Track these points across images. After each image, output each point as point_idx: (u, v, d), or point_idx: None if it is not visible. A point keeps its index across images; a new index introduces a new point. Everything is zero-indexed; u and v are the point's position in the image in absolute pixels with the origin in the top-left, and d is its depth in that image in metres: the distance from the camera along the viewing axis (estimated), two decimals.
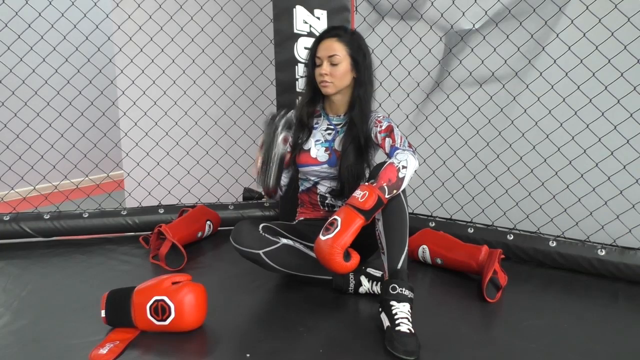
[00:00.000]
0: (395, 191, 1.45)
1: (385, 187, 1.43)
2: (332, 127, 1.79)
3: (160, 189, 2.47)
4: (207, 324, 1.43)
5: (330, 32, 1.70)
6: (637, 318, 1.58)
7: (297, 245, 1.68)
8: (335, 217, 1.40)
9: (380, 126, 1.67)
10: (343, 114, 1.78)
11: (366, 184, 1.46)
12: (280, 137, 1.62)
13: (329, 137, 1.78)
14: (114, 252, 2.06)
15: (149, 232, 2.20)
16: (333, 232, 1.37)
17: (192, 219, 2.16)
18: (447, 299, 1.69)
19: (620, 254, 1.84)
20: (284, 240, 1.65)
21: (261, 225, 1.68)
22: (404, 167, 1.47)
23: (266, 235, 1.64)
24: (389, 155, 1.58)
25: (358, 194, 1.42)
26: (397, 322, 1.33)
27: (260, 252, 1.60)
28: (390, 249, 1.46)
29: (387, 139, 1.63)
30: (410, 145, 1.59)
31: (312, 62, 1.72)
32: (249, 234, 1.63)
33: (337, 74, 1.67)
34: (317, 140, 1.78)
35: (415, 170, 1.52)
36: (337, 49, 1.66)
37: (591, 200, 1.96)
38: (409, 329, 1.32)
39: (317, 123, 1.81)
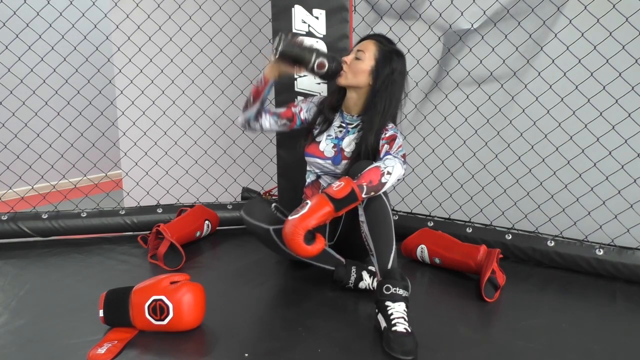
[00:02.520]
0: (372, 193, 1.48)
1: (364, 187, 1.45)
2: (344, 124, 1.80)
3: (159, 188, 2.47)
4: (205, 323, 1.43)
5: (375, 36, 1.76)
6: (634, 317, 1.58)
7: None
8: (307, 201, 1.43)
9: (385, 133, 1.70)
10: (356, 115, 1.80)
11: (346, 177, 1.48)
12: (320, 59, 1.66)
13: (340, 135, 1.79)
14: (112, 251, 2.06)
15: (147, 231, 2.20)
16: (299, 213, 1.39)
17: (190, 218, 2.16)
18: (446, 299, 1.69)
19: (618, 254, 1.85)
20: None
21: (273, 204, 1.73)
22: (388, 173, 1.50)
23: (277, 213, 1.68)
24: (380, 158, 1.61)
25: (335, 183, 1.46)
26: (393, 322, 1.33)
27: (270, 228, 1.64)
28: (377, 250, 1.47)
29: (385, 145, 1.67)
30: (403, 156, 1.62)
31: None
32: (262, 210, 1.67)
33: (354, 67, 1.70)
34: (328, 135, 1.81)
35: (399, 179, 1.56)
36: (369, 48, 1.70)
37: (589, 200, 1.97)
38: (405, 329, 1.32)
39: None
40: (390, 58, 1.70)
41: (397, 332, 1.31)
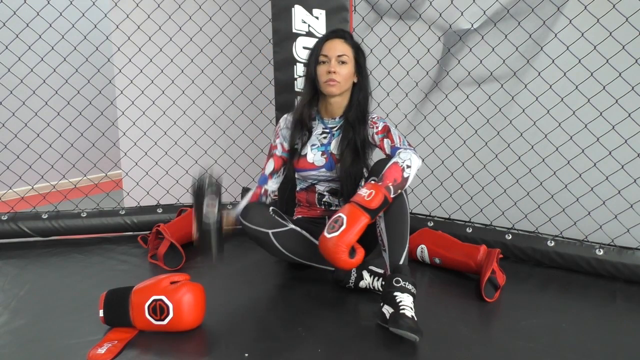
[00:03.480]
0: (399, 190, 1.47)
1: (391, 187, 1.44)
2: (327, 130, 1.79)
3: (159, 188, 2.47)
4: (205, 323, 1.43)
5: (338, 33, 1.72)
6: (634, 317, 1.58)
7: (304, 232, 1.69)
8: (340, 214, 1.40)
9: (376, 127, 1.69)
10: (339, 117, 1.78)
11: (372, 182, 1.46)
12: (207, 206, 1.53)
13: (325, 141, 1.78)
14: (112, 251, 2.06)
15: (147, 231, 2.20)
16: (338, 230, 1.37)
17: (190, 218, 2.15)
18: (446, 299, 1.69)
19: (618, 254, 1.85)
20: (291, 225, 1.67)
21: (271, 208, 1.71)
22: (408, 166, 1.49)
23: (276, 217, 1.67)
24: (391, 155, 1.59)
25: (364, 192, 1.43)
26: (401, 307, 1.35)
27: (270, 231, 1.63)
28: (391, 245, 1.47)
29: (385, 139, 1.66)
30: (410, 144, 1.61)
31: (316, 61, 1.70)
32: (259, 214, 1.65)
33: (344, 74, 1.68)
34: (312, 145, 1.78)
35: (418, 169, 1.54)
36: (346, 50, 1.68)
37: (589, 200, 1.97)
38: (412, 315, 1.34)
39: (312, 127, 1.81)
40: (360, 49, 1.72)
41: (404, 315, 1.32)
